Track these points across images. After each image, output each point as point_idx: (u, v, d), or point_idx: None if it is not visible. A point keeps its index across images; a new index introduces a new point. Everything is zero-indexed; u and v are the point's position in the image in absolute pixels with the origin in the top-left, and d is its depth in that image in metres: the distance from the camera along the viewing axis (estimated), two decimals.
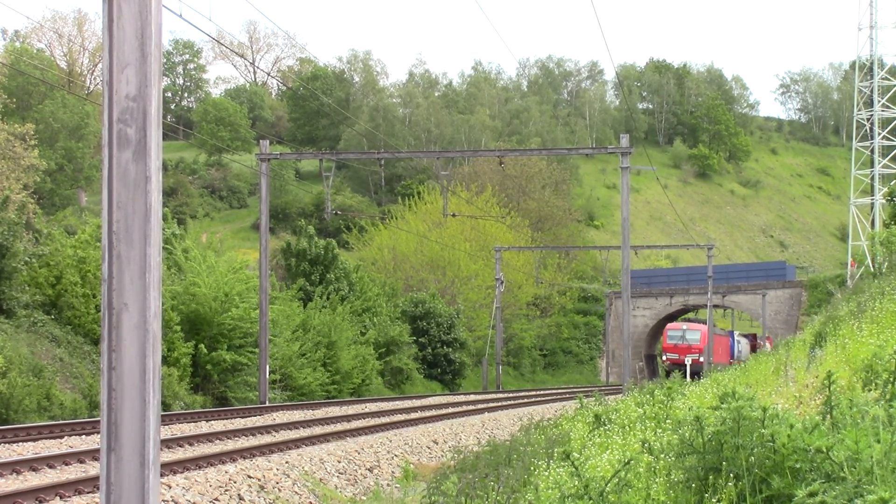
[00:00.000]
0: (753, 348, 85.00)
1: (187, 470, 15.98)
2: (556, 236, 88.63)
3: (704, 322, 72.99)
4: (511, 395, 48.40)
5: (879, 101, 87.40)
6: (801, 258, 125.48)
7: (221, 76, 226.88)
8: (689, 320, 76.78)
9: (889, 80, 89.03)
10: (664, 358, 66.60)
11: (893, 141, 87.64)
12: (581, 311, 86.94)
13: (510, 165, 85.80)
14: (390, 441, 21.96)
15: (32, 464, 16.04)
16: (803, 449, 6.63)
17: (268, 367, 35.19)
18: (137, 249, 4.90)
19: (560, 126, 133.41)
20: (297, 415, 29.27)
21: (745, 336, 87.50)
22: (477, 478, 12.13)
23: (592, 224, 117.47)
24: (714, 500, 7.00)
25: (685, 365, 66.28)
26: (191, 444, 20.11)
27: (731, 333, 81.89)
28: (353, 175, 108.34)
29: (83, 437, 21.10)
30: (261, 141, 36.97)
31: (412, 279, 66.53)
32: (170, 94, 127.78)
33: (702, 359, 66.89)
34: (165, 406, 31.38)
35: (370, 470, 19.01)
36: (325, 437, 21.88)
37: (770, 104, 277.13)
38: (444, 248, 65.59)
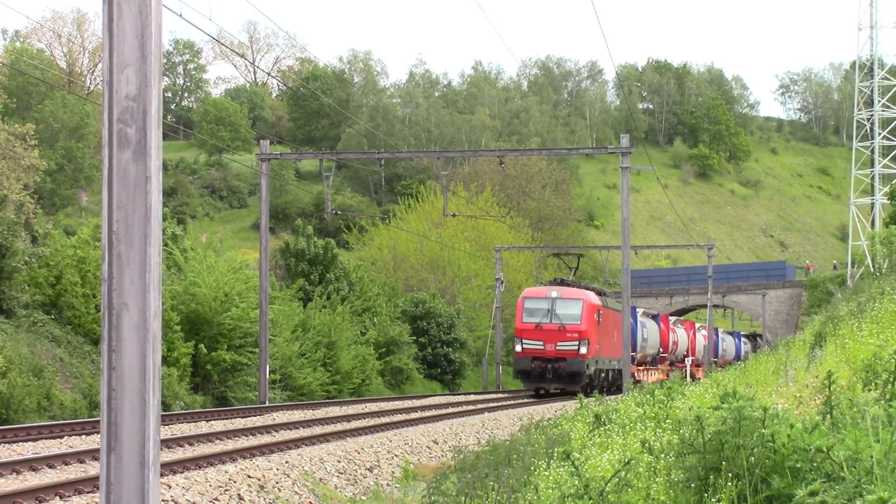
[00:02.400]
0: (661, 337, 60.70)
1: (187, 470, 15.97)
2: (556, 236, 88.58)
3: (592, 288, 49.25)
4: (511, 394, 48.38)
5: (879, 101, 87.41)
6: (801, 258, 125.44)
7: (221, 76, 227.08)
8: (563, 282, 47.18)
9: (889, 80, 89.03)
10: (519, 349, 43.67)
11: (893, 141, 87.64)
12: None
13: (510, 165, 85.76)
14: (390, 441, 21.95)
15: (32, 464, 16.03)
16: (803, 449, 6.63)
17: (268, 367, 35.18)
18: (137, 249, 4.90)
19: (560, 126, 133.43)
20: (297, 415, 29.25)
21: (653, 317, 61.65)
22: (477, 478, 12.13)
23: (592, 224, 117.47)
24: (714, 500, 7.00)
25: (555, 363, 42.81)
26: (191, 444, 20.10)
27: (634, 311, 53.10)
28: (353, 175, 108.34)
29: (83, 437, 21.09)
30: (261, 141, 36.98)
31: (412, 279, 66.51)
32: (170, 94, 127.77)
33: (584, 350, 42.64)
34: (165, 406, 31.37)
35: (370, 470, 19.00)
36: (325, 437, 21.87)
37: (770, 104, 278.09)
38: (444, 248, 65.59)
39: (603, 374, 46.26)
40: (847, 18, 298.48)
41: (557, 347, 42.76)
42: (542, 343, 43.06)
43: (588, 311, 43.63)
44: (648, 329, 57.97)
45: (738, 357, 77.04)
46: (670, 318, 65.33)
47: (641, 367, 56.07)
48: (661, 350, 60.88)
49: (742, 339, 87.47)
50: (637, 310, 55.62)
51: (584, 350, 42.59)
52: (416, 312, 58.18)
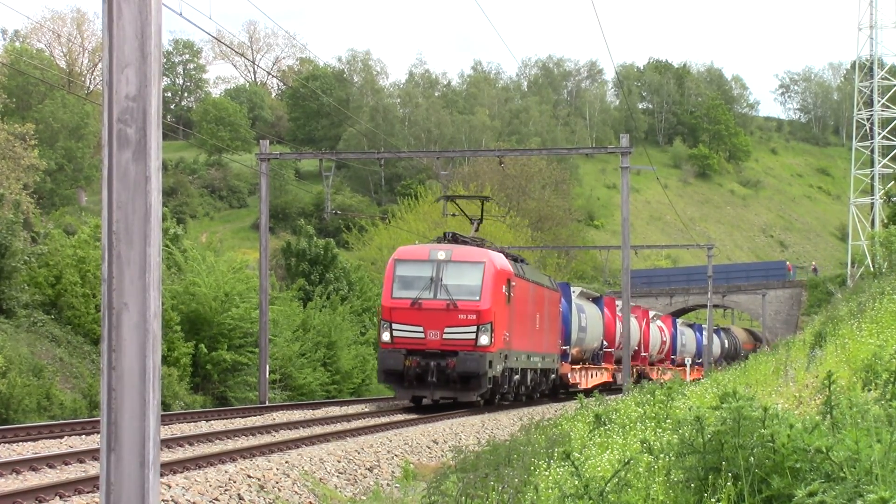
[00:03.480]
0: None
1: (187, 470, 15.96)
2: (556, 236, 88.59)
3: (503, 251, 34.49)
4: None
5: (879, 101, 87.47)
6: (801, 258, 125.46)
7: (221, 76, 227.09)
8: (455, 238, 31.63)
9: (889, 80, 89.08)
10: (387, 338, 29.38)
11: (893, 141, 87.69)
12: None
13: (510, 165, 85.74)
14: (390, 441, 21.95)
15: (32, 464, 16.03)
16: (803, 449, 6.63)
17: (268, 367, 35.17)
18: (137, 249, 4.90)
19: (560, 126, 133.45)
20: (297, 415, 29.24)
21: (595, 300, 47.07)
22: (477, 478, 12.13)
23: (592, 224, 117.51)
24: (713, 500, 7.00)
25: (441, 360, 28.57)
26: (191, 444, 20.09)
27: (567, 289, 42.13)
28: (353, 175, 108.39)
29: (83, 437, 21.08)
30: (261, 141, 36.96)
31: None
32: (170, 94, 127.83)
33: (485, 340, 28.58)
34: (165, 406, 31.37)
35: (370, 470, 19.00)
36: (325, 437, 21.86)
37: (770, 104, 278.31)
38: None
39: (517, 377, 32.73)
40: (847, 18, 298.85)
41: (445, 336, 28.76)
42: (421, 329, 28.92)
43: (493, 282, 29.19)
44: (588, 315, 43.53)
45: (699, 356, 67.91)
46: (618, 303, 46.20)
47: (578, 367, 42.65)
48: (604, 343, 46.35)
49: (702, 332, 70.13)
50: (572, 289, 43.23)
51: (485, 340, 28.64)
52: None
